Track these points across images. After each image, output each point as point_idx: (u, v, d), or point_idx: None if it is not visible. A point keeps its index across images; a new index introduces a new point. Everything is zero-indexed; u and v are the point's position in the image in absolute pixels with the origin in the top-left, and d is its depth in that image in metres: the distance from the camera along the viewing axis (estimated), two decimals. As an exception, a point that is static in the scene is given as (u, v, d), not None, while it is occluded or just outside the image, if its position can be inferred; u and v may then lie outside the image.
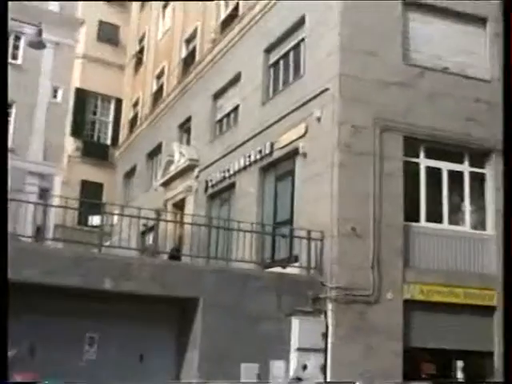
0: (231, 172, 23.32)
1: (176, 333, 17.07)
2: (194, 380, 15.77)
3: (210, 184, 25.08)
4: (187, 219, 24.81)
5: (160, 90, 34.39)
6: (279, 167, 21.14)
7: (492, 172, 19.90)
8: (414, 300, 18.00)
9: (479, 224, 19.91)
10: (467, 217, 19.85)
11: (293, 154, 20.04)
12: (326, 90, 18.60)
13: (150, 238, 26.19)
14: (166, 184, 29.72)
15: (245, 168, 22.46)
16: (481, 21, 20.70)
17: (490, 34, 20.63)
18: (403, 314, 17.74)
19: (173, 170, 28.74)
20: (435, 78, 19.44)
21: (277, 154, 20.78)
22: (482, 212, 20.00)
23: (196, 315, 16.41)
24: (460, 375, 18.42)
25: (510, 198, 4.54)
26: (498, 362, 18.72)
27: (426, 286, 18.14)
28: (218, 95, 26.50)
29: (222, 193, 24.65)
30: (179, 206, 28.13)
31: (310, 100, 19.28)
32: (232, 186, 23.57)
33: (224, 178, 23.92)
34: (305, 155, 19.23)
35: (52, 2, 40.11)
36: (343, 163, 17.81)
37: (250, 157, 22.04)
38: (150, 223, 21.76)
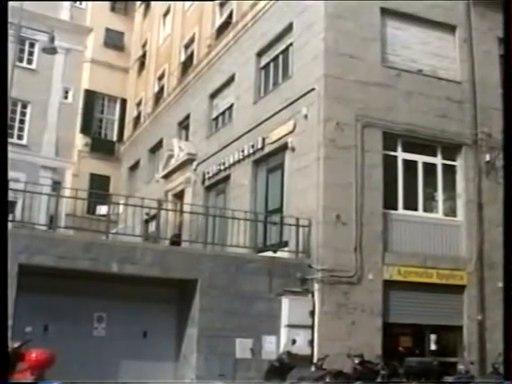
0: (226, 165, 23.23)
1: (176, 312, 17.02)
2: (194, 379, 15.78)
3: (206, 176, 24.99)
4: (186, 208, 24.73)
5: (161, 90, 34.26)
6: (270, 160, 21.05)
7: (462, 164, 19.91)
8: (393, 280, 18.00)
9: (451, 211, 19.89)
10: (440, 205, 19.85)
11: (282, 148, 19.96)
12: (313, 89, 18.53)
13: (152, 226, 26.08)
14: (166, 176, 29.61)
15: (239, 161, 22.36)
16: (451, 28, 20.63)
17: (459, 40, 20.61)
18: (383, 292, 17.75)
19: (173, 163, 28.63)
20: (411, 79, 19.40)
21: (268, 149, 20.70)
22: (453, 201, 20.00)
23: (194, 296, 16.37)
24: (433, 347, 18.45)
25: (510, 196, 4.47)
26: (467, 335, 18.79)
27: (403, 268, 18.14)
28: (214, 95, 26.38)
29: (217, 184, 24.55)
30: (179, 196, 28.06)
31: (297, 99, 19.21)
32: (227, 177, 23.47)
33: (220, 170, 23.84)
34: (293, 149, 19.18)
35: (63, 12, 40.02)
36: (328, 156, 17.77)
37: (243, 151, 21.95)
38: (153, 212, 21.63)
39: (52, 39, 24.46)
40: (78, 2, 41.83)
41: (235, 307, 16.24)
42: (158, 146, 32.59)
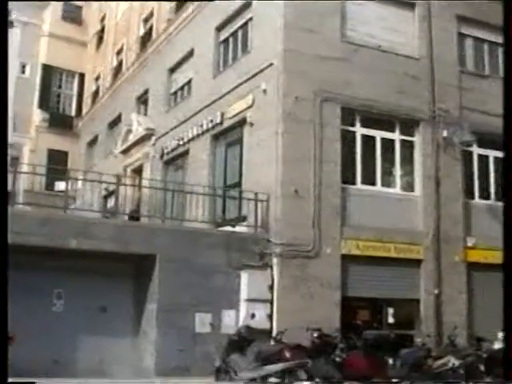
0: (185, 140, 23.06)
1: (135, 286, 16.92)
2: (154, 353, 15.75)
3: (165, 151, 24.81)
4: (145, 183, 24.53)
5: (120, 65, 33.83)
6: (229, 135, 20.95)
7: (420, 140, 20.04)
8: (351, 254, 18.10)
9: (408, 186, 20.03)
10: (398, 180, 19.98)
11: (241, 122, 19.87)
12: (271, 64, 18.45)
13: (111, 201, 25.85)
14: (125, 151, 29.35)
15: (198, 136, 22.22)
16: (410, 4, 20.68)
17: (418, 16, 20.67)
18: (341, 266, 17.85)
19: (131, 138, 28.37)
20: (370, 55, 19.41)
21: (227, 123, 20.60)
22: (410, 176, 20.12)
23: (153, 270, 16.28)
24: (391, 320, 18.63)
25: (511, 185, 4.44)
26: (423, 308, 19.00)
27: (361, 242, 18.25)
28: (173, 69, 26.12)
29: (176, 159, 24.41)
30: (137, 171, 27.86)
31: (256, 74, 19.11)
32: (186, 152, 23.34)
33: (178, 145, 23.67)
34: (252, 124, 19.10)
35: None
36: (287, 131, 17.73)
37: (202, 126, 21.80)
38: (111, 187, 21.43)
39: (8, 13, 23.98)
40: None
41: (194, 282, 16.17)
42: (117, 120, 32.23)
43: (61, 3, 40.87)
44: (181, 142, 23.42)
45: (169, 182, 21.76)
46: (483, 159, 21.38)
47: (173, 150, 24.28)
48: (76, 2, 41.38)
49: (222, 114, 20.64)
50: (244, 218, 18.48)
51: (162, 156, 25.17)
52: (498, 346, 17.67)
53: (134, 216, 20.76)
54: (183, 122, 23.42)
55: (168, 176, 24.60)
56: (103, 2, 38.70)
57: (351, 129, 19.07)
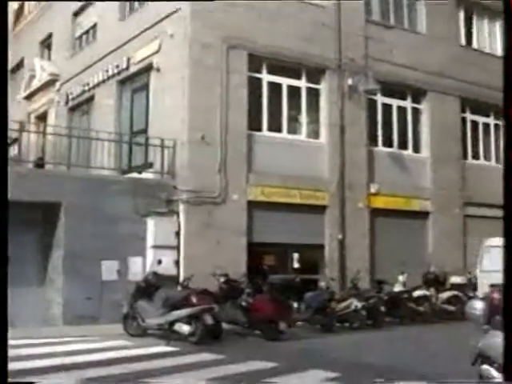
0: (90, 85, 22.55)
1: (41, 235, 16.59)
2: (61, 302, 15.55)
3: (70, 97, 24.23)
4: (49, 130, 23.93)
5: (21, 7, 32.62)
6: (135, 81, 20.61)
7: (326, 88, 20.22)
8: (257, 201, 18.27)
9: (314, 134, 20.25)
10: (304, 127, 20.16)
11: (148, 68, 19.54)
12: (179, 9, 18.12)
13: (14, 149, 25.16)
14: (28, 97, 28.51)
15: (103, 82, 21.75)
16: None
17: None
18: (247, 213, 18.02)
19: (35, 84, 27.55)
20: (277, 2, 19.20)
21: (133, 69, 20.23)
22: (316, 123, 20.33)
23: (59, 218, 16.01)
24: (296, 265, 18.96)
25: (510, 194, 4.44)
26: (328, 253, 19.42)
27: (266, 188, 18.42)
28: (77, 13, 25.34)
29: (82, 105, 23.89)
30: (42, 117, 27.14)
31: (163, 19, 18.74)
32: (91, 98, 22.85)
33: (84, 91, 23.14)
34: (158, 70, 18.83)
35: None
36: (193, 77, 17.58)
37: (107, 71, 21.34)
38: (15, 135, 20.82)
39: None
40: None
41: (100, 229, 15.99)
42: (19, 65, 31.19)
43: None
44: (86, 88, 22.89)
45: (74, 128, 21.32)
46: (387, 108, 21.79)
47: (78, 96, 23.74)
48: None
49: (128, 60, 20.23)
50: (150, 165, 18.32)
51: (66, 102, 24.59)
52: (398, 288, 18.37)
53: (39, 164, 20.29)
54: (88, 67, 22.85)
55: (73, 122, 24.07)
56: None
57: (258, 76, 19.05)
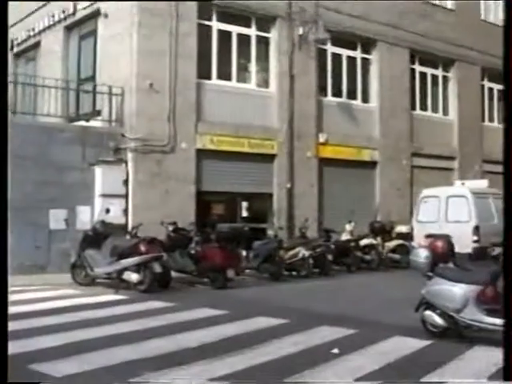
0: (36, 31, 21.97)
1: (-14, 183, 16.29)
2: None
3: (15, 42, 23.55)
4: (-6, 76, 23.35)
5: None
6: (83, 27, 20.15)
7: (276, 36, 20.08)
8: (206, 149, 18.22)
9: (263, 82, 20.19)
10: (253, 76, 20.07)
11: (95, 14, 19.09)
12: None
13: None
14: (-29, 42, 27.72)
15: (49, 27, 21.21)
16: None
17: None
18: (196, 161, 17.97)
19: (-23, 28, 26.77)
20: None
21: (80, 14, 19.73)
22: (266, 72, 20.25)
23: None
24: (245, 214, 19.05)
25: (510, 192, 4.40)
26: (276, 202, 19.54)
27: (215, 137, 18.38)
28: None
29: (27, 51, 23.32)
30: (-14, 63, 26.43)
31: (111, -37, 18.30)
32: (37, 44, 22.29)
33: (29, 36, 22.54)
34: (106, 16, 18.41)
35: None
36: (142, 24, 17.27)
37: (53, 16, 20.80)
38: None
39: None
40: None
41: (48, 178, 15.81)
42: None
43: None
44: (31, 34, 22.30)
45: (19, 74, 20.81)
46: (337, 58, 21.78)
47: (23, 42, 23.13)
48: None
49: (75, 5, 19.72)
50: (98, 113, 18.07)
51: (11, 48, 23.93)
52: (345, 237, 18.61)
53: (-17, 110, 19.84)
54: (34, 11, 22.24)
55: (19, 68, 23.50)
56: None
57: (208, 23, 18.80)
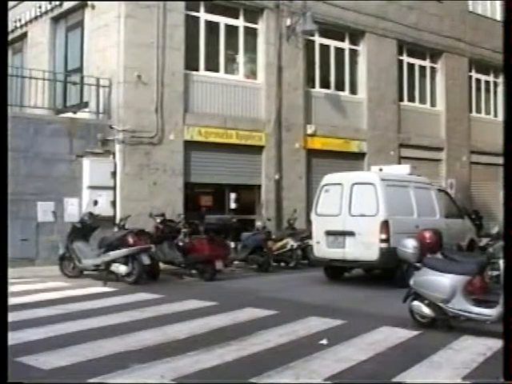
0: (23, 22, 21.81)
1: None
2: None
3: (2, 34, 23.44)
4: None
5: None
6: (70, 18, 20.02)
7: (264, 28, 20.02)
8: (194, 141, 18.16)
9: (251, 74, 20.15)
10: (241, 67, 20.03)
11: (82, 5, 18.98)
12: None
13: None
14: (-42, 33, 27.54)
15: (36, 18, 21.08)
16: None
17: None
18: (184, 153, 17.92)
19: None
20: None
21: (67, 5, 19.60)
22: (254, 63, 20.21)
23: (-8, 159, 15.62)
24: (233, 206, 19.04)
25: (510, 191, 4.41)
26: (265, 193, 19.54)
27: (203, 128, 18.32)
28: None
29: (14, 42, 23.09)
30: (-28, 55, 26.27)
31: (98, -47, 18.20)
32: (24, 35, 22.13)
33: (16, 27, 22.34)
34: (93, 7, 18.30)
35: None
36: (130, 15, 17.18)
37: (40, 7, 20.66)
38: None
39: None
40: None
41: (35, 170, 15.78)
42: None
43: None
44: (18, 25, 22.13)
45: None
46: (325, 49, 21.75)
47: (9, 33, 22.88)
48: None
49: (62, -5, 19.64)
50: (86, 105, 18.00)
51: (-3, 39, 23.81)
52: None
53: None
54: (20, 2, 22.10)
55: (5, 60, 23.38)
56: None
57: (195, 14, 18.73)
